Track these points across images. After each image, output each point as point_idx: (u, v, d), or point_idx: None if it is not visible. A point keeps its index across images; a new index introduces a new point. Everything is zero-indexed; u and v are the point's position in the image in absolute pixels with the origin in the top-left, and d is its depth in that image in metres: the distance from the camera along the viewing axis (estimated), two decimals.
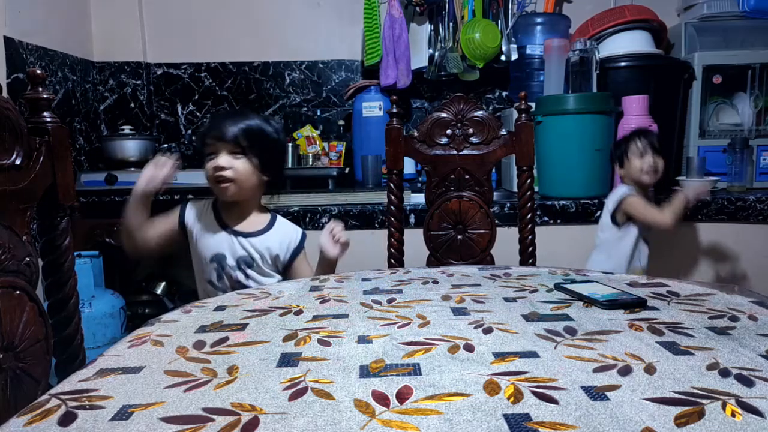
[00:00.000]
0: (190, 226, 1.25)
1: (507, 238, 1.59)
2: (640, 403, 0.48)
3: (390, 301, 0.85)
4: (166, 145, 2.48)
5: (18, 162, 0.81)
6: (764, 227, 1.92)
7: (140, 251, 1.22)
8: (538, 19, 2.31)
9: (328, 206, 1.90)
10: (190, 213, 1.26)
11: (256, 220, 1.27)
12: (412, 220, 1.87)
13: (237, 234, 1.24)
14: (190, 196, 1.48)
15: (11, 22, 1.79)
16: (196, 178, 1.95)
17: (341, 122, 2.48)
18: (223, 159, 1.18)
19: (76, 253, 1.11)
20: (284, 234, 1.28)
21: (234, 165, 1.19)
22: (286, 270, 1.29)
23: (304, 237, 1.30)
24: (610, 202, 1.71)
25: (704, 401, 0.48)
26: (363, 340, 0.67)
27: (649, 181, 1.68)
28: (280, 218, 1.30)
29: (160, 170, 1.18)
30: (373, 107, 2.30)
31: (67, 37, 2.14)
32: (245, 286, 1.22)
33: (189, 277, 1.33)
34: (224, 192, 1.20)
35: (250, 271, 1.24)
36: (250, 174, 1.21)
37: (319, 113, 2.50)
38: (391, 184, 1.53)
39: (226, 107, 2.48)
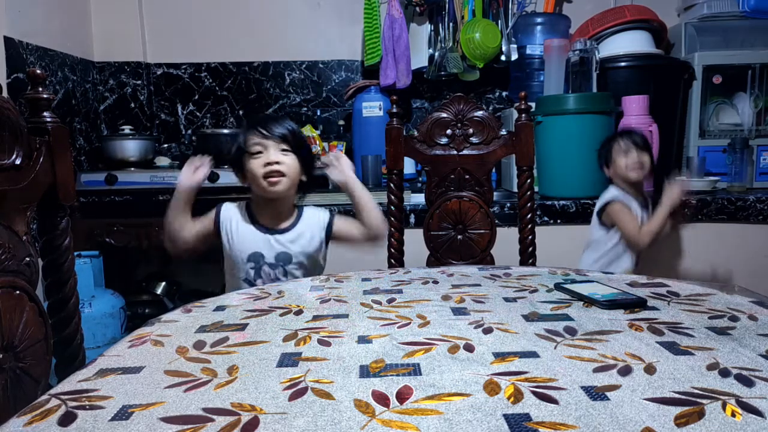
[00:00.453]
0: (225, 227, 1.28)
1: (507, 238, 1.59)
2: (640, 403, 0.48)
3: (390, 301, 0.85)
4: (166, 145, 2.48)
5: (18, 162, 0.81)
6: (764, 227, 1.92)
7: (181, 252, 1.26)
8: (538, 19, 2.31)
9: (328, 206, 1.90)
10: (226, 214, 1.29)
11: (288, 217, 1.30)
12: (412, 220, 1.87)
13: (273, 232, 1.27)
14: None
15: (11, 22, 1.79)
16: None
17: (341, 122, 2.48)
18: (274, 154, 1.22)
19: (76, 253, 1.12)
20: (313, 217, 1.31)
21: (284, 161, 1.22)
22: (332, 241, 1.32)
23: (332, 211, 1.34)
24: (598, 203, 1.72)
25: (704, 401, 0.48)
26: (363, 340, 0.67)
27: (637, 177, 1.67)
28: (306, 208, 1.34)
29: (198, 170, 1.24)
30: (373, 107, 2.30)
31: (67, 37, 2.14)
32: None
33: (189, 277, 1.34)
34: (274, 186, 1.22)
35: (289, 267, 1.26)
36: (298, 170, 1.25)
37: (319, 113, 2.50)
38: (391, 184, 1.53)
39: (226, 107, 2.48)
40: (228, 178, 1.96)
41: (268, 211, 1.28)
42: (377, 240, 1.30)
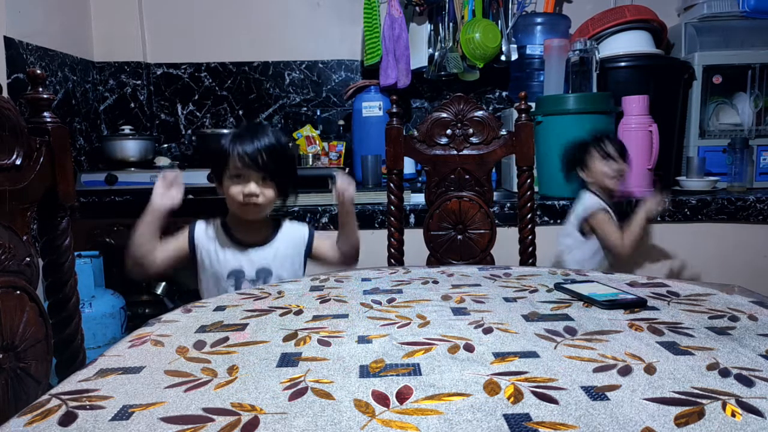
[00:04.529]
0: (200, 246, 1.25)
1: (507, 238, 1.59)
2: (640, 403, 0.48)
3: (390, 301, 0.85)
4: (166, 145, 2.48)
5: (18, 162, 0.81)
6: (764, 227, 1.92)
7: (148, 275, 1.22)
8: (538, 19, 2.31)
9: (328, 206, 1.90)
10: (200, 233, 1.26)
11: (265, 230, 1.29)
12: (412, 220, 1.87)
13: (251, 247, 1.25)
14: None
15: (11, 22, 1.79)
16: (196, 178, 1.96)
17: (341, 122, 2.48)
18: (254, 186, 1.19)
19: (76, 253, 1.11)
20: (293, 233, 1.30)
21: (263, 192, 1.21)
22: (309, 259, 1.32)
23: (311, 228, 1.33)
24: (579, 211, 1.69)
25: (704, 401, 0.48)
26: (363, 340, 0.67)
27: (614, 186, 1.68)
28: (285, 221, 1.33)
29: (172, 188, 1.19)
30: (373, 107, 2.30)
31: (67, 37, 2.14)
32: None
33: (189, 277, 1.33)
34: (250, 213, 1.22)
35: (268, 281, 1.25)
36: (275, 197, 1.24)
37: (319, 113, 2.50)
38: (391, 184, 1.53)
39: (226, 107, 2.48)
40: (128, 178, 1.97)
41: (244, 228, 1.26)
42: (349, 264, 1.30)
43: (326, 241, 1.31)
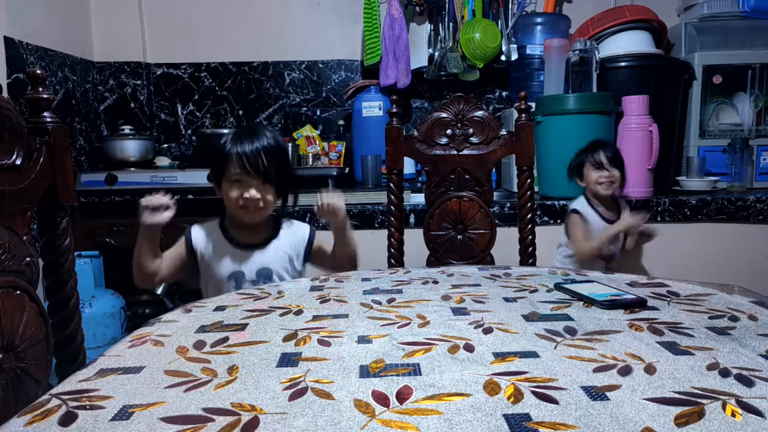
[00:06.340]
0: (199, 250, 1.26)
1: (507, 238, 1.60)
2: (640, 403, 0.48)
3: (390, 301, 0.85)
4: (166, 145, 2.48)
5: (18, 162, 0.81)
6: (764, 227, 1.92)
7: (154, 285, 1.25)
8: (538, 19, 2.31)
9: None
10: (198, 237, 1.26)
11: (264, 231, 1.28)
12: (412, 220, 1.87)
13: (250, 248, 1.25)
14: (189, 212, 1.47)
15: (11, 22, 1.79)
16: (196, 178, 1.96)
17: (341, 122, 2.48)
18: (254, 191, 1.19)
19: (76, 253, 1.11)
20: (294, 233, 1.30)
21: (263, 195, 1.20)
22: (309, 261, 1.32)
23: (312, 228, 1.33)
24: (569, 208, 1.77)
25: (704, 401, 0.48)
26: (363, 340, 0.67)
27: (605, 193, 1.70)
28: (285, 221, 1.32)
29: (159, 213, 1.17)
30: (373, 107, 2.30)
31: (67, 37, 2.14)
32: None
33: (191, 276, 1.33)
34: (250, 217, 1.22)
35: (270, 282, 1.24)
36: (274, 200, 1.24)
37: (319, 113, 2.50)
38: (391, 184, 1.53)
39: (226, 107, 2.48)
40: (127, 178, 1.99)
41: (243, 230, 1.26)
42: (347, 270, 1.26)
43: (327, 245, 1.31)
